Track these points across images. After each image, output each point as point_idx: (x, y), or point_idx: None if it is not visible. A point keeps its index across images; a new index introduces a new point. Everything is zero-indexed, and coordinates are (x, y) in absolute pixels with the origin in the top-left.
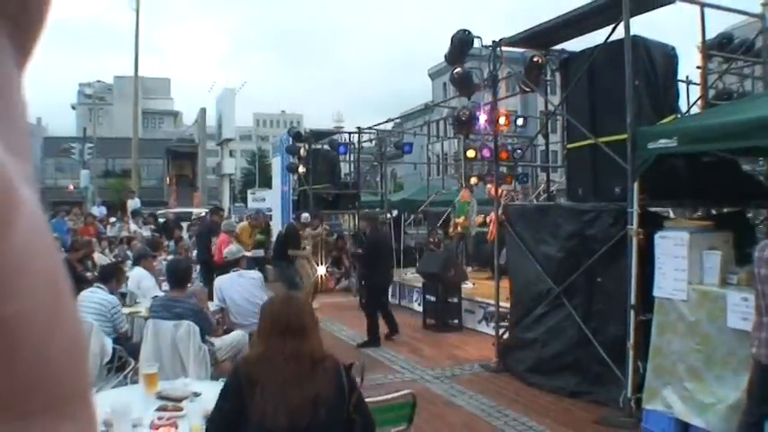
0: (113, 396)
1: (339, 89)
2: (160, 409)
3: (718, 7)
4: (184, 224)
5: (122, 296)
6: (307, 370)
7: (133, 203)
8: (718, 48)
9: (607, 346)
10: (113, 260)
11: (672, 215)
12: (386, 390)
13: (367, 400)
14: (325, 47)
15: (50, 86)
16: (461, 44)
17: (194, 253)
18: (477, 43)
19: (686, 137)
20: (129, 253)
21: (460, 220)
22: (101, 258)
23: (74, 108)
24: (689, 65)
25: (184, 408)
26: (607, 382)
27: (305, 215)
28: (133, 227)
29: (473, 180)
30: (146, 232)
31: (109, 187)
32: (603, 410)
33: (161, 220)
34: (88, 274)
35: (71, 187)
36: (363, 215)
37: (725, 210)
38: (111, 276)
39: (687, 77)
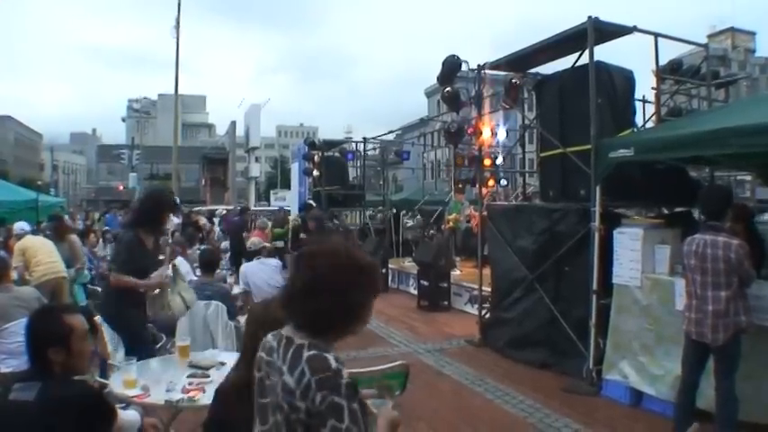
0: (151, 365)
1: (349, 105)
2: (191, 375)
3: (670, 37)
4: (215, 219)
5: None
6: None
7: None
8: (670, 72)
9: (573, 324)
10: None
11: (629, 214)
12: (384, 361)
13: (366, 369)
14: (338, 69)
15: (104, 102)
16: (451, 67)
17: (224, 244)
18: (464, 67)
19: (642, 147)
20: (169, 242)
21: (452, 216)
22: None
23: (123, 120)
24: (645, 86)
25: (211, 375)
26: (572, 356)
27: (309, 202)
28: (175, 220)
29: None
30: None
31: (153, 188)
32: (569, 380)
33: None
34: None
35: (121, 188)
36: (311, 215)
37: (675, 210)
38: None
39: (643, 97)
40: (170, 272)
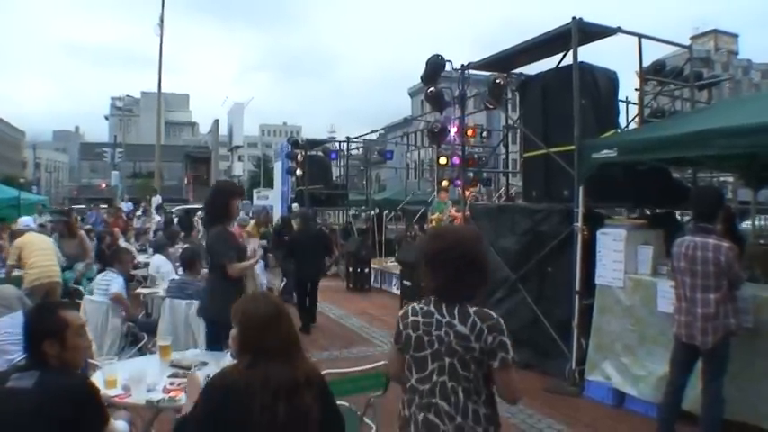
0: (133, 364)
1: (333, 104)
2: (172, 375)
3: (654, 38)
4: (196, 217)
5: (144, 279)
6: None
7: (156, 200)
8: (653, 73)
9: (555, 325)
10: (138, 248)
11: (612, 215)
12: (367, 361)
13: (349, 370)
14: (322, 69)
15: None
16: (435, 67)
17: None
18: (448, 66)
19: (625, 148)
20: (150, 241)
21: (435, 216)
22: (126, 246)
23: (106, 118)
24: (628, 87)
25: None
26: (555, 356)
27: (295, 205)
28: (157, 218)
29: (444, 183)
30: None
31: (135, 186)
32: (552, 380)
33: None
34: None
35: (103, 186)
36: (296, 213)
37: (657, 211)
38: (114, 259)
39: (627, 98)
40: (260, 250)
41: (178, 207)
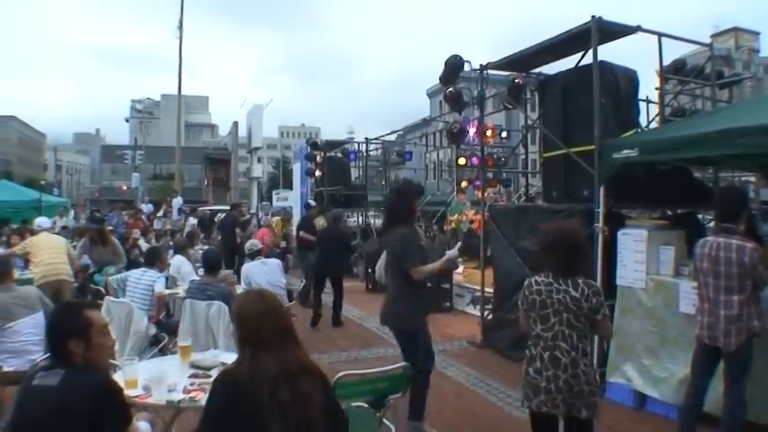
0: (153, 365)
1: (351, 105)
2: (192, 376)
3: (674, 37)
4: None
5: (165, 279)
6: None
7: (177, 201)
8: (674, 72)
9: None
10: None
11: (633, 215)
12: (386, 362)
13: (369, 371)
14: (340, 70)
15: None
16: (453, 67)
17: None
18: (467, 67)
19: (646, 148)
20: (171, 243)
21: (454, 217)
22: (146, 247)
23: (127, 121)
24: (648, 86)
25: (213, 375)
26: None
27: (309, 201)
28: (176, 216)
29: (464, 184)
30: (193, 219)
31: (156, 188)
32: None
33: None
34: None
35: (124, 187)
36: (330, 214)
37: (679, 211)
38: (156, 258)
39: (647, 97)
40: (458, 254)
41: (202, 208)
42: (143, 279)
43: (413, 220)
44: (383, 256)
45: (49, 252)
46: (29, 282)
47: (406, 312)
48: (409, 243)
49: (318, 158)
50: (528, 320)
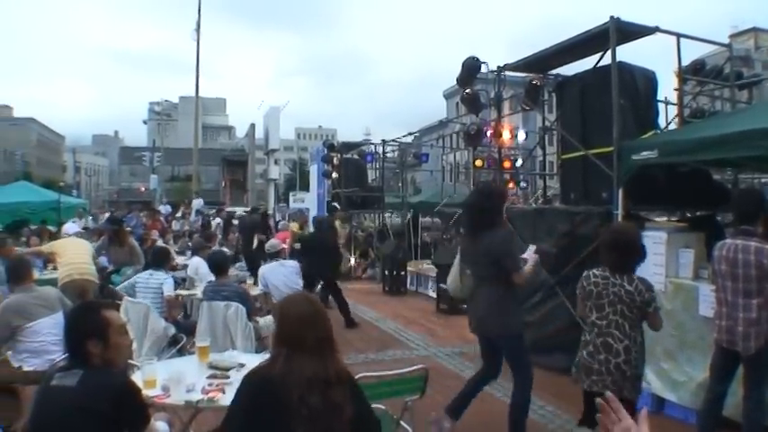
0: (172, 365)
1: (368, 107)
2: (210, 376)
3: (693, 37)
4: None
5: (183, 281)
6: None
7: (197, 203)
8: (693, 72)
9: None
10: (176, 251)
11: (652, 218)
12: (404, 364)
13: (385, 373)
14: (357, 72)
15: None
16: (470, 69)
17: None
18: (484, 68)
19: (666, 150)
20: (189, 244)
21: None
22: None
23: (145, 123)
24: (667, 87)
25: (231, 376)
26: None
27: (334, 204)
28: (194, 217)
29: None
30: (219, 219)
31: (174, 189)
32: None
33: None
34: None
35: (142, 189)
36: (315, 219)
37: (698, 213)
38: (163, 259)
39: (665, 98)
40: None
41: (226, 210)
42: (151, 282)
43: (502, 223)
44: (456, 265)
45: (75, 253)
46: (49, 282)
47: (508, 317)
48: (512, 245)
49: (335, 160)
50: (584, 309)
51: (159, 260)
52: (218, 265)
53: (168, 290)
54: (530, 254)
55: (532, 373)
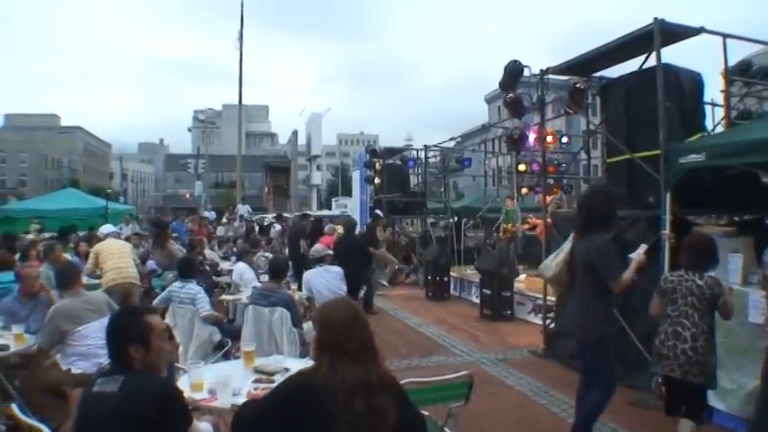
0: (218, 369)
1: (410, 113)
2: (256, 380)
3: (739, 37)
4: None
5: (227, 285)
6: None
7: (244, 209)
8: (739, 73)
9: (641, 336)
10: (221, 256)
11: (699, 222)
12: (447, 370)
13: (430, 379)
14: (398, 77)
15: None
16: (513, 73)
17: (286, 251)
18: (526, 72)
19: (714, 152)
20: (234, 249)
21: (509, 226)
22: (210, 254)
23: (189, 130)
24: (713, 89)
25: (276, 380)
26: (641, 369)
27: (377, 212)
28: (237, 223)
29: (524, 191)
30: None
31: (218, 195)
32: (637, 394)
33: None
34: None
35: (187, 195)
36: (343, 222)
37: (746, 217)
38: (190, 270)
39: (712, 100)
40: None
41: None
42: (182, 294)
43: (612, 227)
44: (565, 252)
45: (118, 257)
46: (94, 288)
47: (597, 322)
48: (610, 253)
49: (377, 166)
50: (661, 305)
51: (185, 272)
52: (279, 269)
53: (204, 308)
54: (638, 254)
55: (616, 383)
